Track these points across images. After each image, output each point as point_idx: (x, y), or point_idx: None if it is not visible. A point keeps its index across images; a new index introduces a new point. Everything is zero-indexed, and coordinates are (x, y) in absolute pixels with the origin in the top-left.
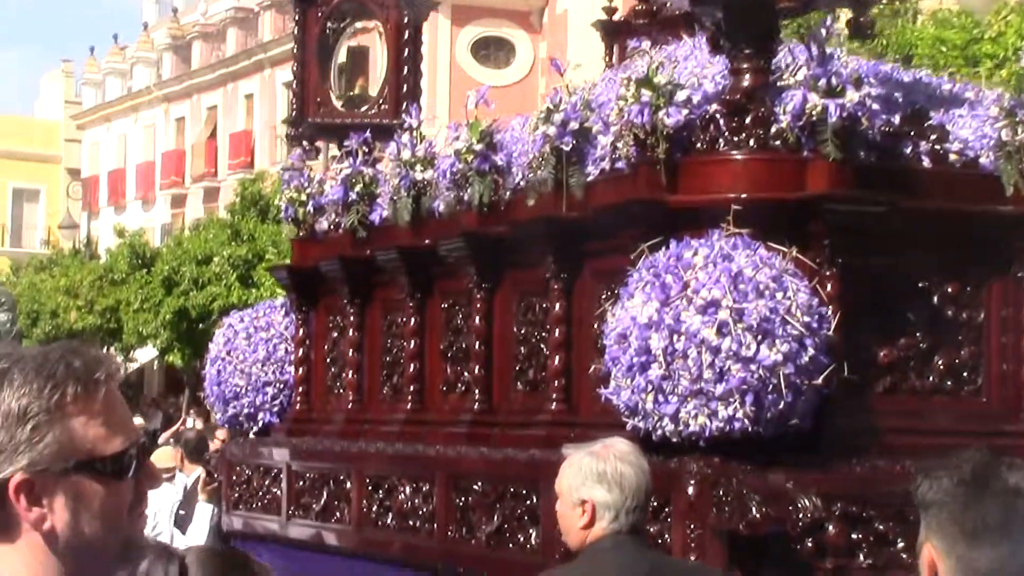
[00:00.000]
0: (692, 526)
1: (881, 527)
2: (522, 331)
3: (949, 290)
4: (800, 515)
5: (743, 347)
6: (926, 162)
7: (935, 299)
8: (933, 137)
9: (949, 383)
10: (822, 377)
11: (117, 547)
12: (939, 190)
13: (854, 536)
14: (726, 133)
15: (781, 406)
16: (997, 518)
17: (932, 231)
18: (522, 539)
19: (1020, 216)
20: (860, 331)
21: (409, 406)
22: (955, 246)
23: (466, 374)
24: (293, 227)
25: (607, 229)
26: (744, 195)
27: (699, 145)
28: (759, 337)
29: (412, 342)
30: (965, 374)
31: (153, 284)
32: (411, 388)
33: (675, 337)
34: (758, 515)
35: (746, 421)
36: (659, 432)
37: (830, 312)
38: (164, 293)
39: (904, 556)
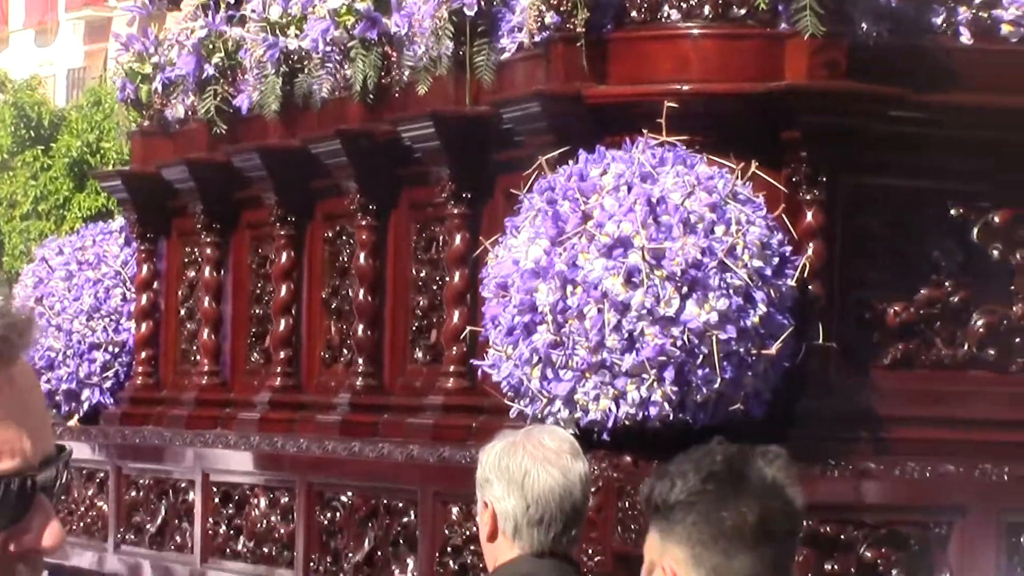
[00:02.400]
0: (591, 550)
1: (869, 554)
2: (422, 273)
3: (995, 220)
4: None
5: (661, 303)
6: (965, 37)
7: (974, 234)
8: (976, 1)
9: (992, 352)
10: (777, 345)
11: None
12: (983, 78)
13: (827, 567)
14: None
15: (717, 385)
16: (756, 518)
17: (971, 137)
18: (396, 572)
19: None
20: (856, 280)
21: (278, 381)
22: (1005, 159)
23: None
24: (133, 113)
25: (515, 133)
26: (686, 87)
27: (634, 14)
28: (685, 289)
29: (283, 288)
30: (1017, 340)
31: (55, 171)
32: (281, 355)
33: (569, 289)
34: None
35: (667, 405)
36: (549, 419)
37: (811, 253)
38: (73, 186)
39: None
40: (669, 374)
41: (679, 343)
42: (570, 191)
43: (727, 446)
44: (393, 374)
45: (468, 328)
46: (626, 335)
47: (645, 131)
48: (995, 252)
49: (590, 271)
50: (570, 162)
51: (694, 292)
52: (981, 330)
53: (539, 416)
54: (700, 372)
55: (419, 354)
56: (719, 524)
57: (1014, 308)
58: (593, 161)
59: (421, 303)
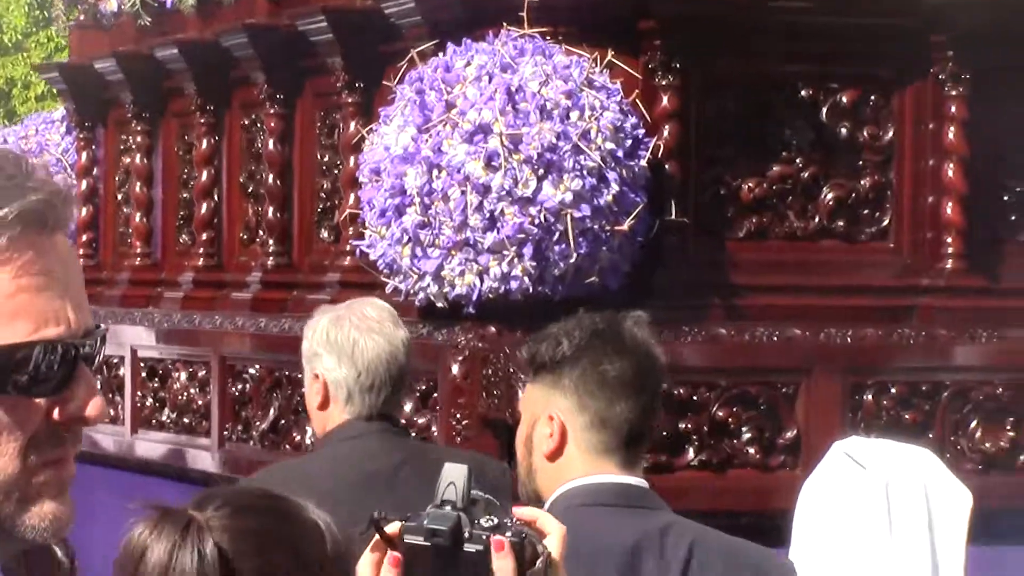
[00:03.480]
0: (459, 415)
1: (720, 413)
2: (325, 158)
3: (843, 100)
4: None
5: (519, 185)
6: None
7: (823, 113)
8: None
9: (841, 224)
10: (629, 221)
11: None
12: None
13: (682, 426)
14: None
15: (573, 260)
16: (632, 370)
17: (817, 23)
18: (297, 438)
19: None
20: (711, 159)
21: (201, 261)
22: (851, 41)
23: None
24: (71, 7)
25: (397, 27)
26: None
27: None
28: (541, 171)
29: (205, 173)
30: (865, 211)
31: (68, 52)
32: (204, 237)
33: (435, 173)
34: None
35: (526, 279)
36: (421, 295)
37: (667, 135)
38: None
39: (751, 451)
40: (528, 250)
41: (537, 222)
42: (436, 82)
43: (600, 313)
44: (301, 254)
45: (347, 211)
46: (487, 215)
47: (500, 24)
48: (843, 130)
49: (454, 156)
50: (441, 54)
51: (550, 174)
52: (831, 203)
53: (412, 291)
54: (557, 248)
55: (324, 234)
56: (604, 375)
57: (862, 182)
58: (459, 53)
59: (325, 186)
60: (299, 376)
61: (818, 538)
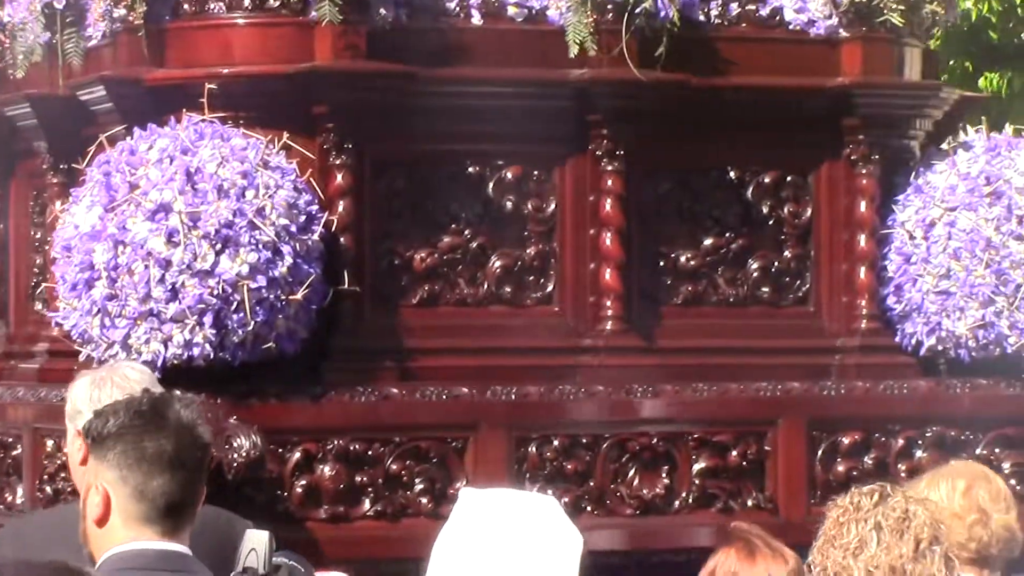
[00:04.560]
0: None
1: (394, 467)
2: (37, 235)
3: (508, 176)
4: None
5: (199, 259)
6: (476, 18)
7: (490, 188)
8: None
9: (509, 290)
10: (303, 291)
11: None
12: (492, 53)
13: (358, 479)
14: None
15: (251, 328)
16: (172, 448)
17: (483, 106)
18: (9, 499)
19: (594, 83)
20: (384, 233)
21: None
22: (510, 120)
23: None
24: None
25: (94, 114)
26: (227, 70)
27: (186, 7)
28: (219, 246)
29: None
30: (531, 278)
31: None
32: None
33: (120, 249)
34: None
35: (208, 346)
36: (111, 361)
37: (341, 211)
38: None
39: (423, 501)
40: (208, 319)
41: (216, 292)
42: (121, 164)
43: (152, 393)
44: (18, 325)
45: (43, 285)
46: (170, 287)
47: (185, 110)
48: (508, 203)
49: (137, 233)
50: (129, 138)
51: (227, 248)
52: (498, 271)
53: (102, 358)
54: (235, 317)
55: (39, 306)
56: (142, 452)
57: (527, 251)
58: (143, 138)
59: (37, 262)
60: (10, 440)
61: None
